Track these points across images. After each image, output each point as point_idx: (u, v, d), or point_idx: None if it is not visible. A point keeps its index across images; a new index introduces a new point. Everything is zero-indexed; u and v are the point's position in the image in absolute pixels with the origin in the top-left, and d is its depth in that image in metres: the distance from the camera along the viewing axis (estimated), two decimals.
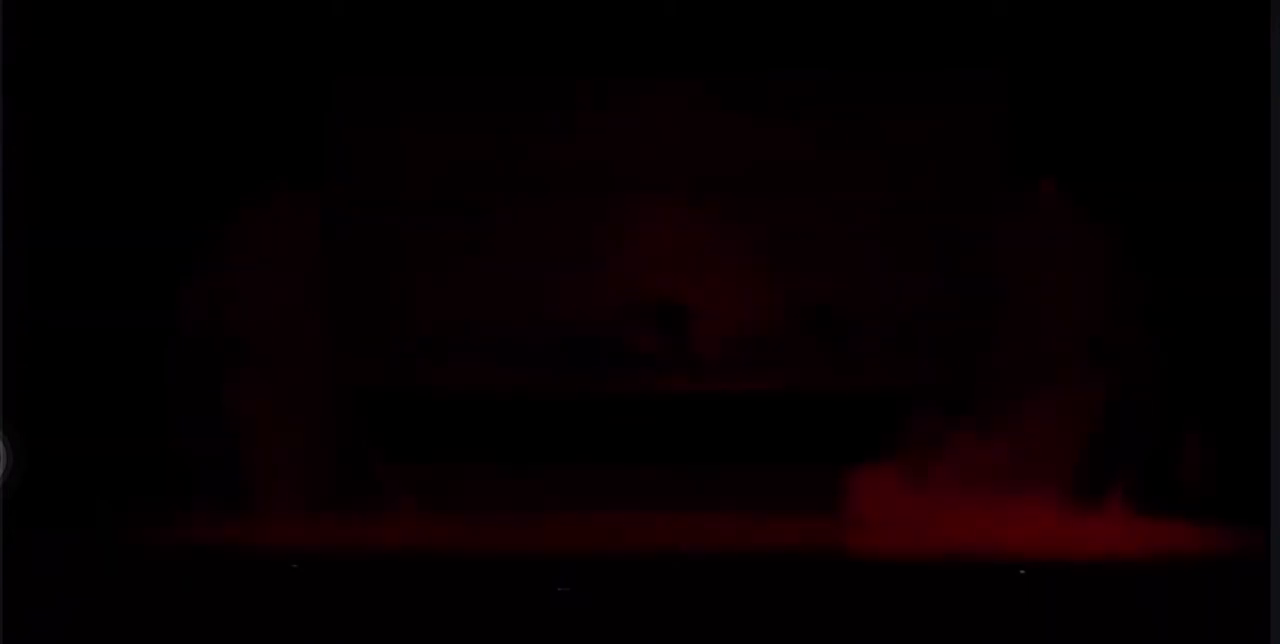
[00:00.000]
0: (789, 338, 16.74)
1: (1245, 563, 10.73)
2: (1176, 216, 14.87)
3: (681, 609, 9.99)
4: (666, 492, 14.76)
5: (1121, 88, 15.37)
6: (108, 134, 15.45)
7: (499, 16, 16.12)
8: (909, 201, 16.51)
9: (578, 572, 10.61)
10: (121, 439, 14.81)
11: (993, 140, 16.15)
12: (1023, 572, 10.45)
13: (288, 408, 14.80)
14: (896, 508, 13.72)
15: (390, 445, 15.27)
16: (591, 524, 13.99)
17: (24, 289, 12.88)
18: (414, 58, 16.37)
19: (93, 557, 11.39)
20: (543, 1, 16.08)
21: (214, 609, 9.94)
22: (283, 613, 9.91)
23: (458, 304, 16.85)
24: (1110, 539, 12.41)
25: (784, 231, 16.72)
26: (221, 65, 15.80)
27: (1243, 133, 13.25)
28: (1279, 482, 9.92)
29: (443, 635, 9.82)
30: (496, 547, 12.12)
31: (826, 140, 16.72)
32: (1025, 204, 14.48)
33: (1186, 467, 13.50)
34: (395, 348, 16.72)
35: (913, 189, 16.49)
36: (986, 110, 16.28)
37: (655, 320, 16.82)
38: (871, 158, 16.66)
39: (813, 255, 16.70)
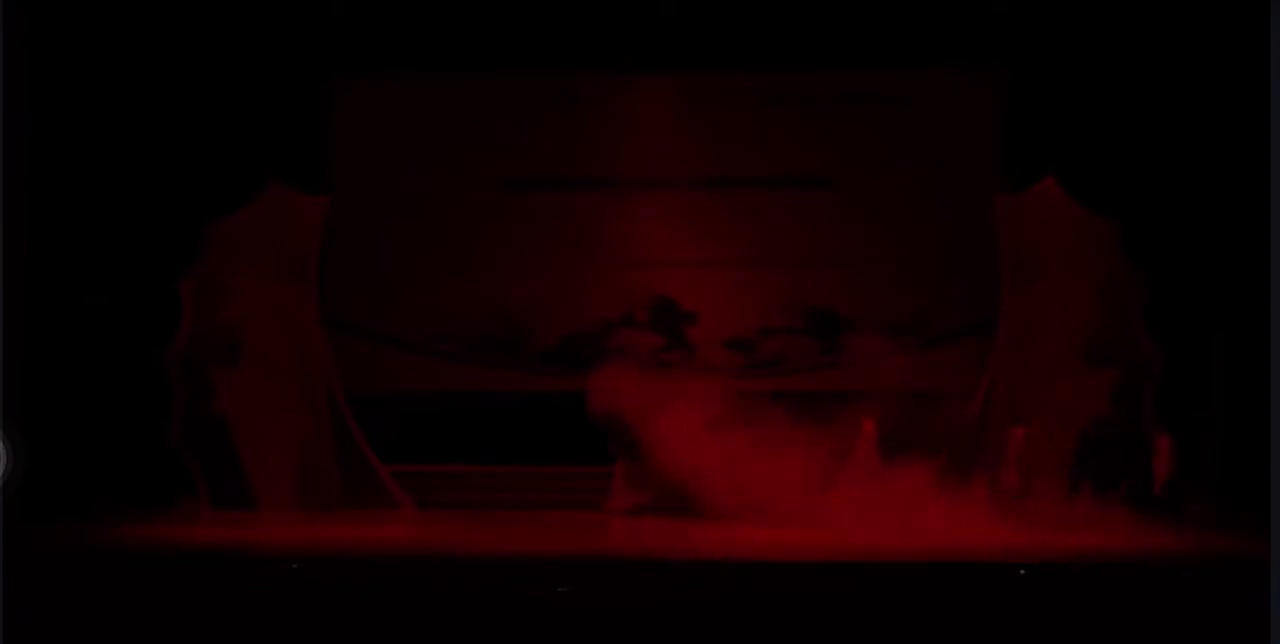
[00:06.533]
0: (788, 338, 16.78)
1: (1245, 563, 10.77)
2: (1174, 215, 14.94)
3: (679, 610, 10.01)
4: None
5: (1121, 87, 15.40)
6: (108, 134, 15.46)
7: (496, 18, 16.18)
8: (909, 200, 16.55)
9: (577, 572, 10.61)
10: (121, 439, 14.83)
11: (993, 140, 16.23)
12: (1023, 572, 10.46)
13: (287, 408, 14.78)
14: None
15: (387, 446, 15.28)
16: (592, 524, 14.00)
17: (24, 287, 12.88)
18: (409, 60, 16.41)
19: (93, 557, 11.37)
20: (542, 1, 16.12)
21: (213, 609, 9.95)
22: (283, 613, 9.92)
23: (454, 304, 16.90)
24: (1106, 537, 12.43)
25: (784, 231, 16.76)
26: (220, 68, 15.83)
27: (1242, 132, 13.27)
28: (1279, 481, 9.91)
29: (443, 635, 9.83)
30: (496, 547, 12.10)
31: (826, 139, 16.76)
32: (1025, 204, 14.45)
33: (1158, 465, 13.53)
34: (392, 348, 16.76)
35: (913, 188, 16.54)
36: (986, 110, 16.34)
37: (652, 320, 16.85)
38: (872, 157, 16.71)
39: (813, 255, 16.73)
